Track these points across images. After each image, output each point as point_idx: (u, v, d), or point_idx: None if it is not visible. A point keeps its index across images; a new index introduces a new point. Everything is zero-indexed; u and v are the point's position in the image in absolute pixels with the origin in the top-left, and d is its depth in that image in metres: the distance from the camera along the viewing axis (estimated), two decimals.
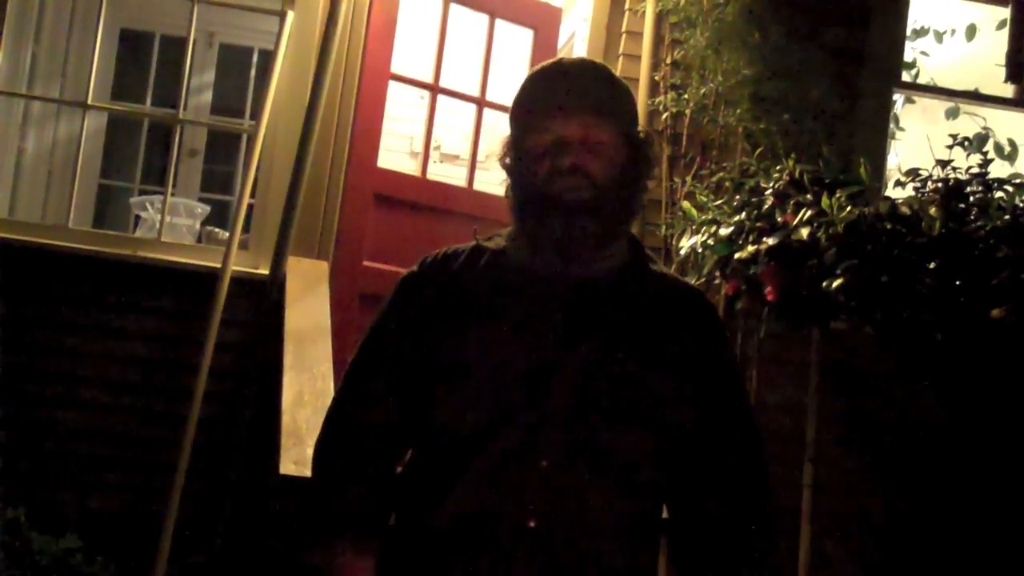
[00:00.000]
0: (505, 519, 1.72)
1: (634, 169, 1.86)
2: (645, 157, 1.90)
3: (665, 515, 1.93)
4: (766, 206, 3.37)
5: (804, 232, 3.16)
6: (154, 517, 3.82)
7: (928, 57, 5.31)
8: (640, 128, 1.94)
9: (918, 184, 3.34)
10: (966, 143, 3.61)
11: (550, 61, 1.93)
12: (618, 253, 1.89)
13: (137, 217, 5.84)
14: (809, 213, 3.23)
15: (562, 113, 1.83)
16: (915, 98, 5.20)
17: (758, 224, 3.36)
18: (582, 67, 1.91)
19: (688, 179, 4.28)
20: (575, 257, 1.81)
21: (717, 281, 3.75)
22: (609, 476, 1.75)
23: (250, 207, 4.37)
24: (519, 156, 1.88)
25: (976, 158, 3.52)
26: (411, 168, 4.89)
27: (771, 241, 3.22)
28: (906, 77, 4.95)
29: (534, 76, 1.91)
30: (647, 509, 1.83)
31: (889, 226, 3.14)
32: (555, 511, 1.72)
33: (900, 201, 3.26)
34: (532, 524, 1.71)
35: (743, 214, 3.45)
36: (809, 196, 3.31)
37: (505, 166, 1.92)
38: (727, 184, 3.79)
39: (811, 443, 3.68)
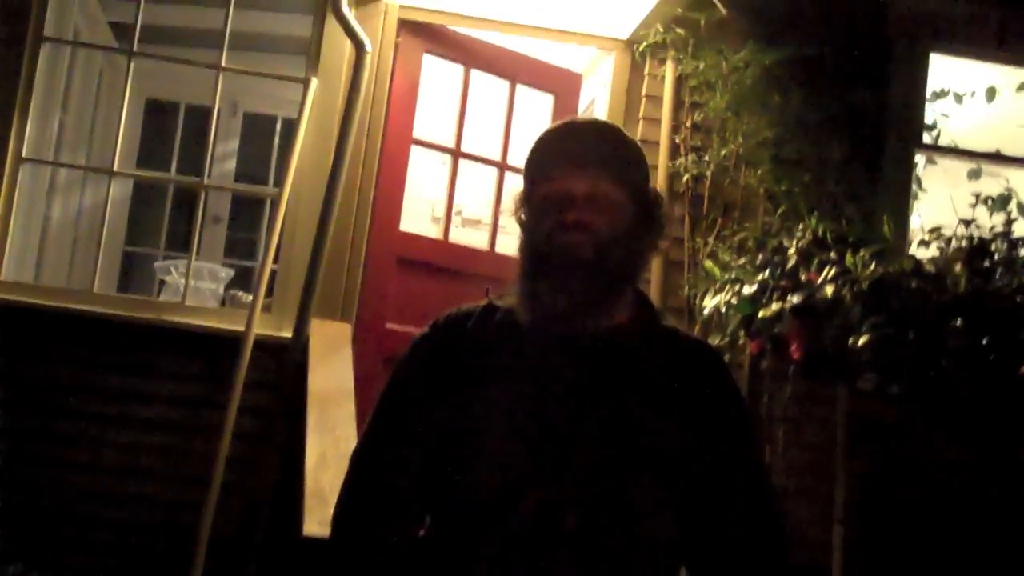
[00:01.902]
0: None
1: (641, 227, 1.86)
2: (653, 215, 1.89)
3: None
4: (790, 264, 3.37)
5: (829, 290, 3.16)
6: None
7: (948, 119, 5.32)
8: (652, 187, 1.94)
9: (942, 244, 3.34)
10: (989, 202, 3.62)
11: (562, 120, 1.94)
12: (625, 309, 1.88)
13: (162, 282, 5.87)
14: (833, 271, 3.23)
15: (569, 168, 1.83)
16: (937, 160, 5.19)
17: (782, 283, 3.35)
18: (592, 126, 1.94)
19: (710, 240, 4.29)
20: (578, 312, 1.79)
21: (741, 341, 3.74)
22: (633, 528, 1.73)
23: (273, 272, 4.39)
24: (527, 209, 1.89)
25: (1000, 217, 3.53)
26: (433, 232, 4.91)
27: (795, 299, 3.22)
28: (927, 139, 4.97)
29: (545, 133, 1.92)
30: (670, 558, 1.81)
31: (914, 284, 3.13)
32: (585, 567, 1.70)
33: (924, 260, 3.25)
34: None
35: (766, 272, 3.45)
36: (833, 254, 3.31)
37: (519, 221, 1.92)
38: (749, 244, 3.80)
39: (840, 504, 3.63)
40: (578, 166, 1.83)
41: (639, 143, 1.98)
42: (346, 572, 1.86)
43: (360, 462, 1.93)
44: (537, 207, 1.86)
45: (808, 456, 4.22)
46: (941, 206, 3.95)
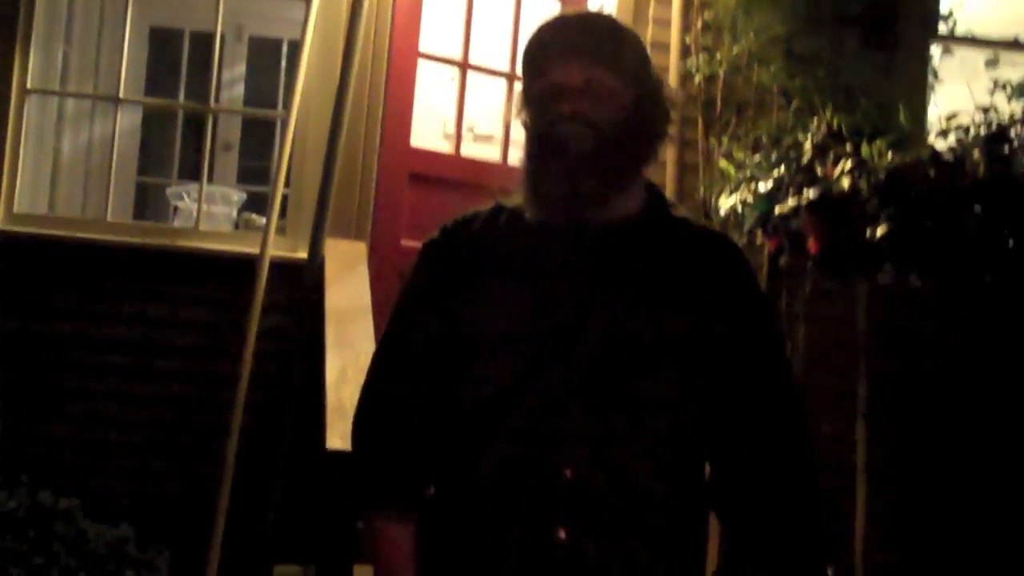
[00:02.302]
0: (542, 470, 1.70)
1: (643, 114, 1.82)
2: (656, 101, 1.85)
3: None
4: (805, 159, 3.32)
5: (845, 182, 3.12)
6: (206, 503, 3.84)
7: (964, 7, 5.20)
8: (654, 72, 1.89)
9: (960, 134, 3.29)
10: (1007, 88, 3.55)
11: (555, 14, 1.89)
12: (635, 200, 1.85)
13: (175, 210, 5.87)
14: (849, 164, 3.18)
15: (562, 60, 1.79)
16: (953, 50, 5.09)
17: (797, 178, 3.31)
18: (584, 16, 1.90)
19: (724, 140, 4.23)
20: (582, 203, 1.77)
21: (760, 240, 3.71)
22: (642, 423, 1.72)
23: (286, 194, 4.38)
24: (527, 107, 1.85)
25: (1019, 104, 3.46)
26: (446, 148, 4.87)
27: (811, 194, 3.18)
28: (943, 29, 4.86)
29: (538, 29, 1.87)
30: (685, 456, 1.79)
31: (932, 173, 3.09)
32: (590, 459, 1.69)
33: (942, 149, 3.20)
34: (568, 474, 1.69)
35: (782, 168, 3.40)
36: (848, 147, 3.26)
37: (523, 122, 1.88)
38: (764, 141, 3.74)
39: (863, 399, 3.62)
40: (571, 57, 1.79)
41: (640, 37, 1.91)
42: (366, 477, 1.89)
43: (377, 366, 1.94)
44: (535, 103, 1.83)
45: (829, 353, 4.20)
46: (959, 97, 3.88)
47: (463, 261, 1.86)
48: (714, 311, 1.78)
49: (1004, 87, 3.45)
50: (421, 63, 4.63)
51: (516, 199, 1.90)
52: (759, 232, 3.66)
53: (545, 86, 1.80)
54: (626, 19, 4.53)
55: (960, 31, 5.05)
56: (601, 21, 1.89)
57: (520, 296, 1.77)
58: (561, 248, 1.78)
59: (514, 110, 1.91)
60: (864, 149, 3.08)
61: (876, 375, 3.65)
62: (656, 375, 1.73)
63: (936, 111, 4.79)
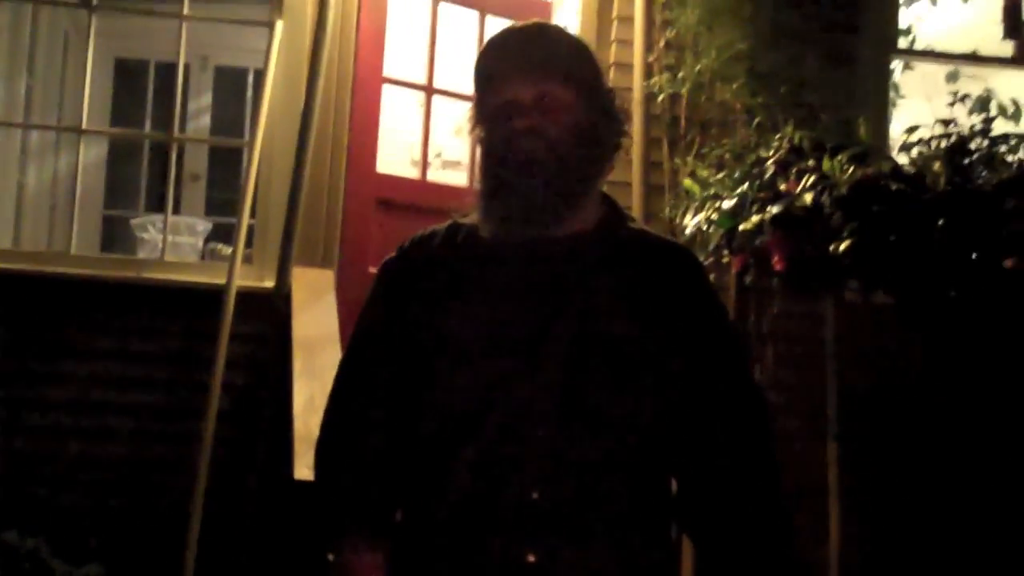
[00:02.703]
0: (508, 494, 1.68)
1: (598, 126, 1.81)
2: (609, 112, 1.85)
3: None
4: (767, 175, 3.32)
5: (808, 197, 3.12)
6: (177, 539, 3.78)
7: (924, 23, 5.25)
8: (606, 84, 1.89)
9: (922, 147, 3.30)
10: (966, 100, 3.57)
11: (504, 28, 1.88)
12: (592, 214, 1.84)
13: (141, 241, 5.83)
14: (812, 179, 3.18)
15: (515, 75, 1.78)
16: (914, 65, 5.14)
17: (761, 194, 3.31)
18: (534, 29, 1.86)
19: (689, 159, 4.23)
20: (538, 219, 1.76)
21: (726, 259, 3.71)
22: (608, 439, 1.71)
23: (254, 224, 4.35)
24: (480, 122, 1.84)
25: (979, 117, 3.48)
26: (414, 175, 4.87)
27: (775, 210, 3.18)
28: (903, 44, 4.90)
29: (488, 43, 1.87)
30: (653, 471, 1.78)
31: (895, 186, 3.09)
32: (557, 479, 1.68)
33: (904, 162, 3.21)
34: (535, 496, 1.67)
35: (745, 185, 3.40)
36: (811, 162, 3.26)
37: (477, 138, 1.88)
38: (727, 157, 3.75)
39: (833, 420, 3.62)
40: (523, 71, 1.78)
41: (591, 49, 1.93)
42: (331, 505, 1.86)
43: (337, 391, 1.92)
44: (488, 119, 1.82)
45: (798, 372, 4.20)
46: (921, 114, 3.90)
47: (421, 281, 1.84)
48: (674, 321, 1.77)
49: (963, 99, 3.46)
50: (386, 88, 4.63)
51: (473, 217, 1.89)
52: (726, 253, 3.65)
53: (499, 102, 1.79)
54: (589, 40, 4.50)
55: (921, 46, 5.10)
56: (553, 34, 1.88)
57: (480, 315, 1.75)
58: (519, 264, 1.78)
59: (467, 127, 1.90)
60: (826, 164, 3.08)
61: (845, 394, 3.64)
62: (619, 388, 1.72)
63: (899, 127, 4.83)
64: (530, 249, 1.78)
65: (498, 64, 1.82)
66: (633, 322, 1.75)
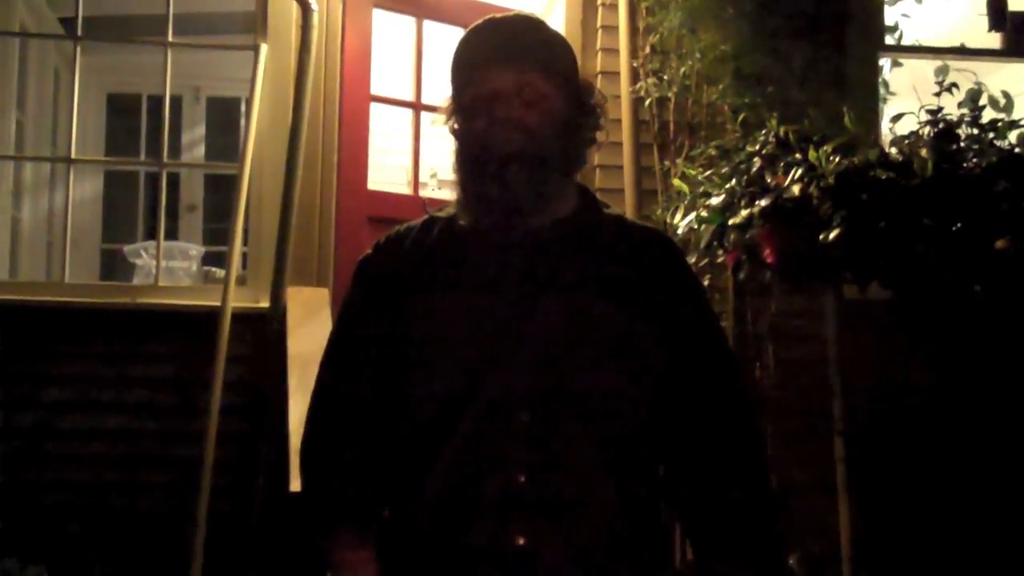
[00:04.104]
0: (493, 479, 1.67)
1: (575, 117, 1.83)
2: (586, 104, 1.86)
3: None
4: (755, 170, 3.31)
5: (796, 189, 3.11)
6: (181, 564, 3.76)
7: (910, 19, 5.25)
8: (583, 76, 1.91)
9: (911, 137, 3.29)
10: (953, 89, 3.56)
11: (482, 19, 1.88)
12: (568, 203, 1.85)
13: (134, 267, 5.84)
14: (800, 171, 3.17)
15: (494, 66, 1.79)
16: (902, 61, 5.13)
17: (749, 189, 3.30)
18: (512, 20, 1.87)
19: (679, 161, 4.23)
20: (518, 208, 1.77)
21: (720, 259, 3.69)
22: (591, 422, 1.70)
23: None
24: (458, 115, 1.85)
25: (968, 106, 3.47)
26: (404, 191, 4.88)
27: (763, 203, 3.16)
28: (890, 40, 4.90)
29: (467, 34, 1.87)
30: (638, 452, 1.77)
31: (883, 175, 3.08)
32: (542, 462, 1.67)
33: (891, 150, 3.21)
34: (522, 479, 1.67)
35: (733, 181, 3.39)
36: (798, 155, 3.25)
37: (451, 129, 1.88)
38: (715, 155, 3.74)
39: (839, 417, 3.59)
40: (502, 62, 1.79)
41: (567, 40, 1.95)
42: (318, 503, 1.85)
43: (319, 391, 1.93)
44: (467, 110, 1.82)
45: (800, 370, 4.18)
46: (911, 107, 3.90)
47: (399, 276, 1.85)
48: (653, 301, 1.78)
49: (951, 88, 3.45)
50: (374, 106, 4.65)
51: (449, 209, 1.90)
52: (720, 252, 3.63)
53: (478, 92, 1.80)
54: (574, 47, 4.53)
55: (908, 42, 5.10)
56: (530, 25, 1.88)
57: (460, 304, 1.76)
58: (498, 253, 1.78)
59: (443, 117, 1.90)
60: (811, 154, 3.07)
61: (849, 390, 3.61)
62: (600, 371, 1.72)
63: (889, 125, 4.83)
64: (509, 237, 1.78)
65: (478, 55, 1.83)
66: (612, 304, 1.75)
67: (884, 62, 4.90)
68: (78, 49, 4.38)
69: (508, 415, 1.68)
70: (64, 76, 5.94)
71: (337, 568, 1.80)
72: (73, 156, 4.43)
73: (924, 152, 3.06)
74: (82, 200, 4.57)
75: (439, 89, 4.82)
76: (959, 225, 3.01)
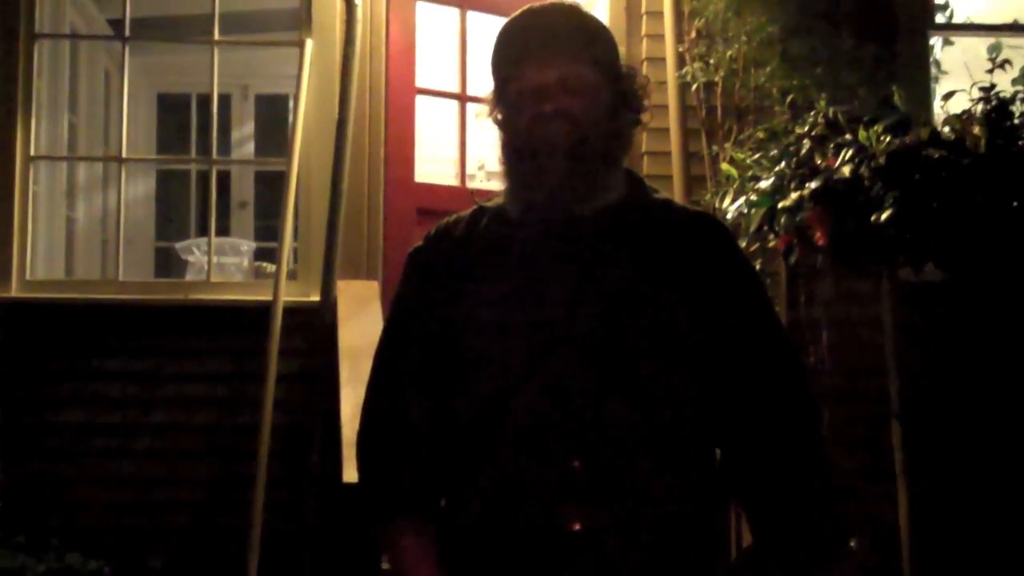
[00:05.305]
0: (550, 464, 1.67)
1: (620, 104, 1.82)
2: (630, 90, 1.85)
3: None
4: (804, 151, 3.27)
5: (846, 170, 3.06)
6: (239, 557, 3.81)
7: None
8: (626, 63, 1.89)
9: (963, 116, 3.23)
10: (1006, 66, 3.49)
11: (521, 10, 1.87)
12: (616, 190, 1.84)
13: (187, 264, 5.91)
14: (850, 152, 3.13)
15: (538, 57, 1.78)
16: (953, 40, 5.05)
17: (799, 171, 3.26)
18: (553, 11, 1.85)
19: (727, 146, 4.19)
20: (567, 198, 1.76)
21: (771, 244, 3.65)
22: (644, 407, 1.69)
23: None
24: (502, 107, 1.84)
25: (1022, 83, 3.41)
26: (452, 183, 4.89)
27: (814, 185, 3.12)
28: (940, 19, 4.82)
29: (508, 25, 1.86)
30: (694, 439, 1.75)
31: (935, 154, 3.03)
32: (597, 448, 1.66)
33: (943, 129, 3.15)
34: (577, 464, 1.66)
35: (782, 164, 3.35)
36: (848, 136, 3.21)
37: (496, 121, 1.87)
38: (763, 138, 3.70)
39: (896, 401, 3.54)
40: (544, 53, 1.78)
41: (607, 27, 1.93)
42: (377, 488, 1.85)
43: (375, 380, 1.92)
44: (512, 102, 1.81)
45: (856, 355, 4.14)
46: (963, 87, 3.83)
47: (450, 266, 1.84)
48: (704, 286, 1.76)
49: (1003, 65, 3.38)
50: (420, 98, 4.66)
51: (497, 200, 1.90)
52: (771, 237, 3.60)
53: (523, 85, 1.79)
54: (619, 39, 4.50)
55: (959, 20, 5.01)
56: (569, 12, 1.86)
57: (512, 293, 1.75)
58: (547, 242, 1.77)
59: (487, 110, 1.90)
60: (861, 134, 3.02)
61: (906, 374, 3.56)
62: (654, 357, 1.71)
63: (940, 104, 4.75)
64: (558, 226, 1.78)
65: (521, 46, 1.82)
66: (663, 289, 1.74)
67: (935, 40, 4.83)
68: (127, 50, 4.46)
69: (561, 402, 1.68)
70: (114, 77, 6.01)
71: (396, 556, 1.80)
72: (124, 156, 4.49)
73: (977, 130, 3.00)
74: (135, 199, 4.64)
75: (484, 80, 4.82)
76: (1015, 203, 2.95)
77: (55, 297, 4.21)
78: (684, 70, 4.30)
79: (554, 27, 1.81)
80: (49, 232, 4.89)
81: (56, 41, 4.94)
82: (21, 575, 3.55)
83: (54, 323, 4.16)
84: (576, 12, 1.87)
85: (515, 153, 1.81)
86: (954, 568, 3.97)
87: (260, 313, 4.07)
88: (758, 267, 3.87)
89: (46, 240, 4.80)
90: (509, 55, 1.84)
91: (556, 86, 1.76)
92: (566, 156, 1.74)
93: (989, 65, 4.56)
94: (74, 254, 5.48)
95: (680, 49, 4.37)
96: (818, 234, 3.15)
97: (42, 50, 4.52)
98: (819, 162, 3.21)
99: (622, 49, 1.93)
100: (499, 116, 1.87)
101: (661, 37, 4.46)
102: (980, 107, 3.18)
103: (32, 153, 4.38)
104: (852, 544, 3.52)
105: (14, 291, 4.21)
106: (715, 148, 4.26)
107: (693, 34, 4.39)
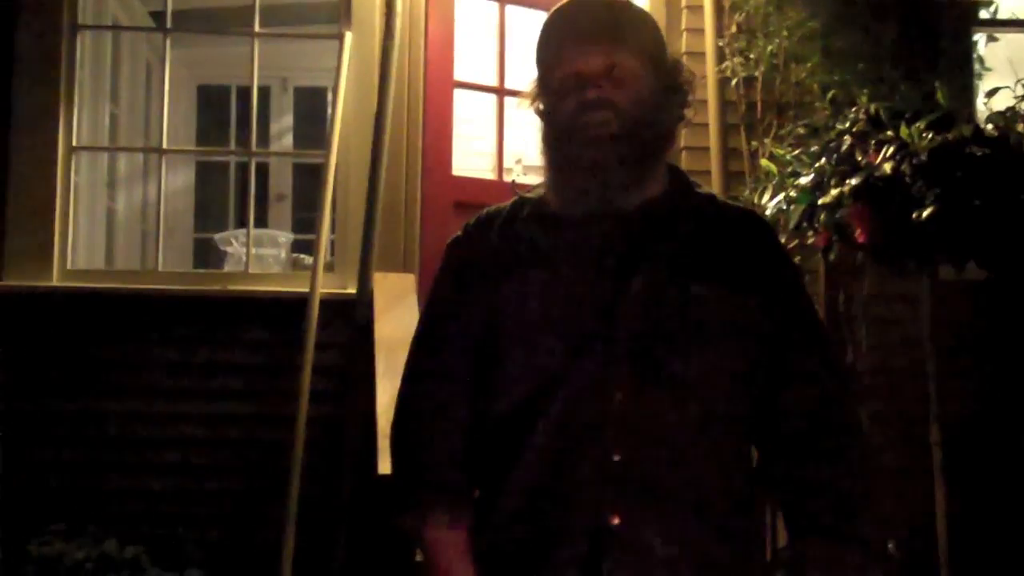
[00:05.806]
0: (589, 458, 1.66)
1: (664, 96, 1.81)
2: (674, 82, 1.84)
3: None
4: (845, 148, 3.24)
5: (887, 167, 3.04)
6: (273, 545, 3.83)
7: None
8: (671, 55, 1.87)
9: (1007, 113, 3.20)
10: None
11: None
12: (658, 182, 1.83)
13: (225, 255, 5.95)
14: (891, 149, 3.10)
15: (582, 46, 1.78)
16: (998, 36, 4.98)
17: (839, 168, 3.23)
18: (599, 1, 1.85)
19: (767, 142, 4.17)
20: (610, 189, 1.75)
21: (811, 240, 3.62)
22: (685, 401, 1.68)
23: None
24: (545, 96, 1.83)
25: None
26: (490, 176, 4.89)
27: (854, 181, 3.10)
28: (984, 15, 4.77)
29: (553, 15, 1.86)
30: (734, 433, 1.74)
31: (978, 151, 3.00)
32: (637, 442, 1.66)
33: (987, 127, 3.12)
34: (617, 457, 1.65)
35: (823, 160, 3.32)
36: (889, 133, 3.17)
37: (537, 111, 1.86)
38: (804, 134, 3.68)
39: (935, 400, 3.51)
40: (591, 42, 1.78)
41: (653, 18, 1.91)
42: (411, 477, 1.84)
43: (411, 368, 1.91)
44: (556, 91, 1.81)
45: (896, 354, 4.10)
46: (1008, 83, 3.79)
47: (488, 258, 1.84)
48: (745, 282, 1.75)
49: None
50: (458, 92, 4.66)
51: (538, 191, 1.89)
52: (810, 234, 3.57)
53: (567, 73, 1.79)
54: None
55: (1004, 15, 4.95)
56: (616, 3, 1.86)
57: (553, 284, 1.74)
58: (588, 235, 1.76)
59: (528, 99, 1.89)
60: (903, 131, 2.99)
61: (944, 374, 3.53)
62: (695, 351, 1.70)
63: (983, 100, 4.70)
64: (599, 218, 1.77)
65: (566, 35, 1.82)
66: (704, 284, 1.73)
67: (979, 37, 4.77)
68: (168, 42, 4.49)
69: (602, 395, 1.67)
70: (155, 69, 6.05)
71: (430, 548, 1.78)
72: (165, 147, 4.53)
73: (1021, 127, 2.97)
74: (175, 190, 4.68)
75: (523, 74, 4.82)
76: None
77: (95, 286, 4.24)
78: (724, 65, 4.28)
79: (600, 16, 1.81)
80: (90, 222, 4.94)
81: (98, 33, 4.98)
82: (59, 562, 3.58)
83: (94, 312, 4.20)
84: (623, 3, 1.87)
85: (557, 141, 1.80)
86: (990, 567, 3.94)
87: (297, 305, 4.09)
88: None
89: (87, 230, 4.84)
90: (553, 43, 1.84)
91: (602, 74, 1.76)
92: (609, 146, 1.73)
93: None
94: (114, 244, 5.52)
95: (720, 44, 4.36)
96: (858, 231, 3.13)
97: (84, 41, 4.56)
98: (860, 159, 3.19)
99: None
100: (541, 106, 1.86)
101: (701, 31, 4.45)
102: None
103: (74, 143, 4.42)
104: (891, 545, 3.48)
105: (55, 280, 4.24)
106: (754, 144, 4.23)
107: (733, 28, 4.38)
